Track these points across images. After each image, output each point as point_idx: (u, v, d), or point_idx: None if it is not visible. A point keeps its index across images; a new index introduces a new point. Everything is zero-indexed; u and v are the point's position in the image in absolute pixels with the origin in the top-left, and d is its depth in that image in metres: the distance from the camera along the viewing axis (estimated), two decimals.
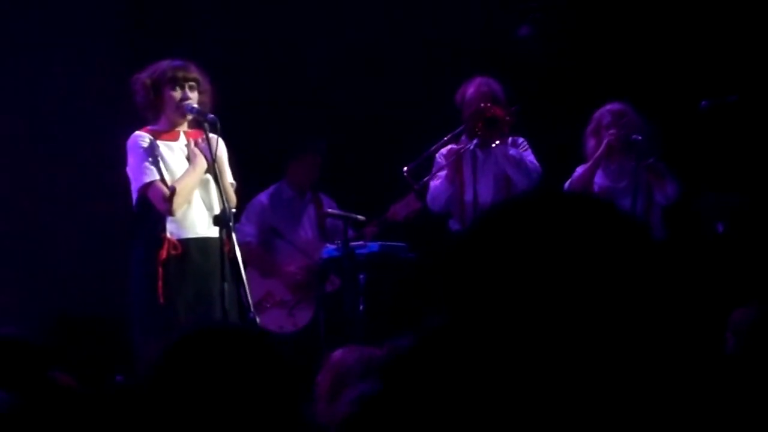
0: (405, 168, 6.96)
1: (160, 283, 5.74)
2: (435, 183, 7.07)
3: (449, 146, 7.06)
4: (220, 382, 1.98)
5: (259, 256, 7.80)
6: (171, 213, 5.80)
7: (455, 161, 7.03)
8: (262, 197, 7.94)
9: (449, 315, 1.40)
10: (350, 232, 7.32)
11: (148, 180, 5.84)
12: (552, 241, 1.37)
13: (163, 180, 5.84)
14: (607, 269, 1.37)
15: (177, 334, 2.10)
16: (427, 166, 7.12)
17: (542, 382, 1.34)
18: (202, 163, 5.89)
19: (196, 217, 5.91)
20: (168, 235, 5.81)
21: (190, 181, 5.86)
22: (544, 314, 1.34)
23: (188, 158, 5.93)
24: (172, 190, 5.79)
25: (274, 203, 7.94)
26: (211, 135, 5.84)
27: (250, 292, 5.82)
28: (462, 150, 7.00)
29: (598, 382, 1.33)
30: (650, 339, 1.37)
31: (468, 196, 6.99)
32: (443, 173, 7.04)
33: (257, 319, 5.85)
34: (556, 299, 1.34)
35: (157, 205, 5.81)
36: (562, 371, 1.33)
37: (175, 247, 5.80)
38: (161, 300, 5.73)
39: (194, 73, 5.92)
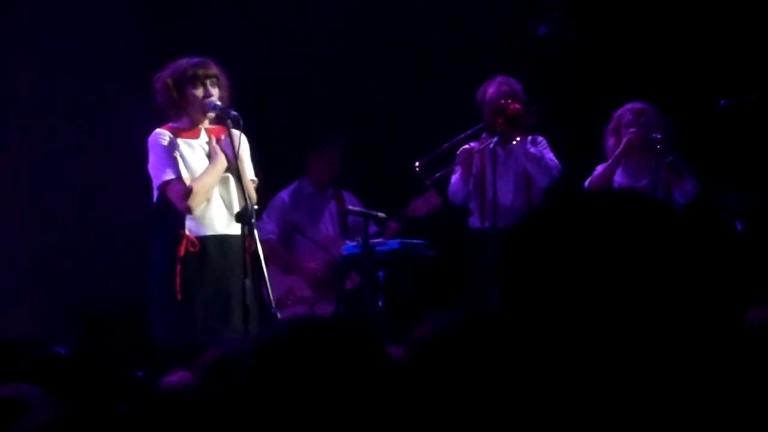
0: (417, 163, 6.97)
1: (177, 280, 5.75)
2: (454, 178, 7.11)
3: (468, 144, 7.07)
4: (325, 379, 1.90)
5: (281, 253, 7.83)
6: (189, 211, 5.82)
7: (466, 160, 7.05)
8: (284, 194, 7.97)
9: (505, 301, 1.44)
10: (373, 229, 7.35)
11: (167, 178, 5.86)
12: (604, 235, 1.41)
13: (182, 178, 5.87)
14: (655, 261, 1.41)
15: (268, 332, 2.02)
16: (440, 162, 7.12)
17: (593, 369, 1.37)
18: (222, 161, 5.91)
19: (216, 214, 5.92)
20: (187, 232, 5.83)
21: (209, 180, 5.88)
22: (595, 303, 1.38)
23: (208, 156, 5.95)
24: (191, 189, 5.81)
25: (295, 200, 7.96)
26: (233, 131, 5.86)
27: (271, 289, 5.84)
28: (481, 148, 7.02)
29: (648, 369, 1.37)
30: (691, 328, 1.40)
31: (488, 194, 7.00)
32: (459, 170, 7.08)
33: (278, 315, 5.87)
34: (607, 290, 1.38)
35: (175, 203, 5.83)
36: (613, 359, 1.37)
37: (193, 245, 5.82)
38: (179, 297, 5.76)
39: (214, 69, 5.94)
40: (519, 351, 1.42)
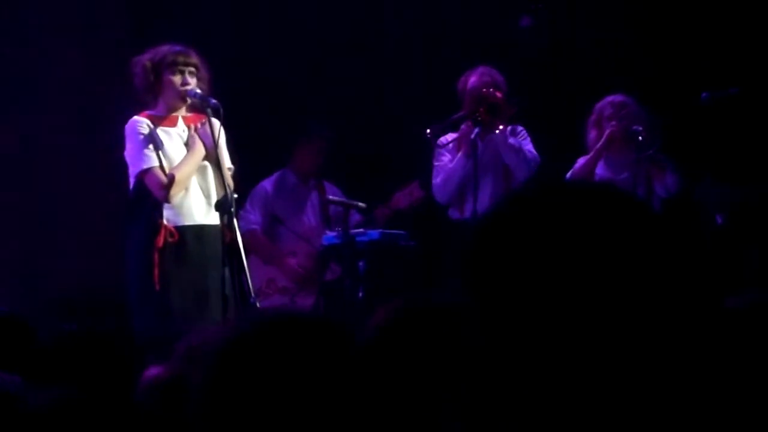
0: (428, 129, 6.89)
1: (156, 271, 5.75)
2: (448, 165, 7.02)
3: (450, 135, 7.05)
4: (292, 372, 1.86)
5: (264, 244, 7.82)
6: (167, 200, 5.81)
7: (460, 142, 6.99)
8: (266, 184, 7.94)
9: (469, 294, 1.42)
10: (356, 218, 7.35)
11: (145, 166, 5.85)
12: (571, 228, 1.40)
13: (161, 166, 5.85)
14: (623, 254, 1.40)
15: (238, 326, 1.99)
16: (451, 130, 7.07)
17: (561, 363, 1.36)
18: (200, 150, 5.90)
19: (194, 203, 5.91)
20: (165, 221, 5.82)
21: (188, 169, 5.87)
22: (562, 295, 1.37)
23: (186, 144, 5.94)
24: (171, 177, 5.80)
25: (277, 190, 7.94)
26: (213, 120, 5.85)
27: (251, 278, 5.83)
28: (463, 136, 7.00)
29: (617, 363, 1.36)
30: (662, 319, 1.40)
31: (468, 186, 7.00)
32: (447, 158, 7.03)
33: (258, 305, 5.86)
34: (574, 282, 1.37)
35: (154, 192, 5.82)
36: (580, 353, 1.36)
37: (171, 234, 5.81)
38: (157, 287, 5.75)
39: (194, 59, 5.94)
40: (480, 341, 1.41)
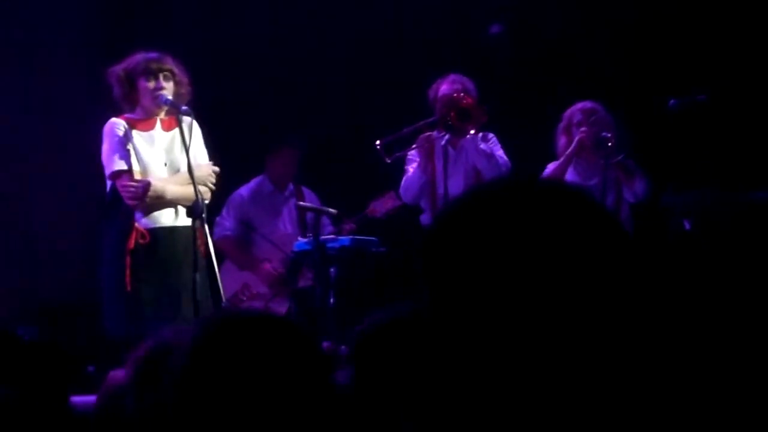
0: (378, 141, 6.94)
1: (127, 272, 5.78)
2: (410, 169, 7.11)
3: (423, 135, 7.08)
4: (255, 371, 1.92)
5: (237, 250, 7.83)
6: (136, 206, 5.84)
7: (428, 150, 7.05)
8: (243, 191, 7.97)
9: (428, 297, 1.41)
10: (331, 227, 7.38)
11: (117, 168, 5.89)
12: (527, 225, 1.40)
13: (132, 170, 5.88)
14: (579, 255, 1.39)
15: (201, 325, 2.01)
16: (400, 144, 7.10)
17: (518, 361, 1.36)
18: (186, 190, 5.89)
19: (165, 207, 5.95)
20: (136, 224, 5.85)
21: (172, 189, 5.90)
22: (519, 296, 1.36)
23: (166, 150, 5.97)
24: (145, 185, 5.83)
25: (254, 197, 7.96)
26: (184, 118, 5.87)
27: (222, 283, 5.87)
28: (434, 139, 7.04)
29: (573, 362, 1.36)
30: (622, 323, 1.39)
31: (439, 191, 7.04)
32: (413, 166, 7.09)
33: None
34: (530, 281, 1.36)
35: (123, 196, 5.85)
36: (537, 353, 1.36)
37: (143, 236, 5.84)
38: (128, 288, 5.77)
39: (169, 65, 5.97)
40: (444, 344, 1.40)
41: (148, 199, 5.84)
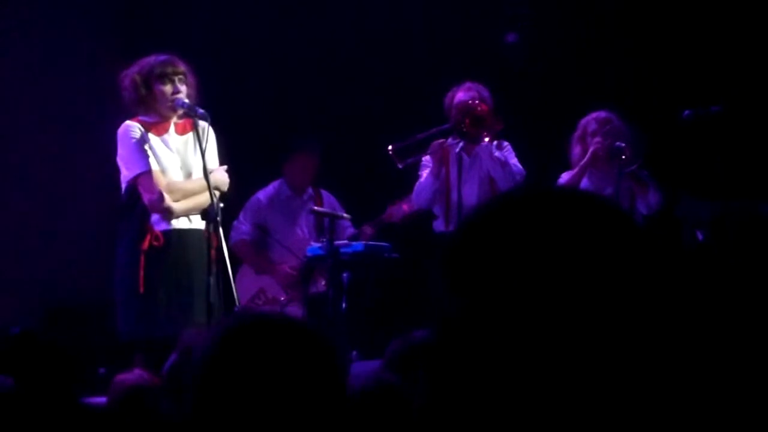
0: (390, 146, 6.95)
1: (141, 273, 5.79)
2: (423, 175, 7.12)
3: (436, 141, 7.09)
4: (272, 374, 1.93)
5: (254, 253, 7.85)
6: (157, 207, 5.85)
7: (441, 156, 7.07)
8: (261, 195, 7.99)
9: (460, 306, 1.41)
10: (350, 231, 7.41)
11: (140, 170, 5.89)
12: (559, 233, 1.39)
13: (152, 171, 5.89)
14: (611, 260, 1.40)
15: (220, 327, 2.02)
16: (414, 150, 7.10)
17: (553, 368, 1.37)
18: (203, 197, 5.91)
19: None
20: (151, 226, 5.87)
21: (188, 187, 5.92)
22: (547, 301, 1.37)
23: (180, 154, 5.98)
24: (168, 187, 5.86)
25: (271, 202, 7.98)
26: (200, 123, 5.89)
27: (238, 287, 5.88)
28: (447, 146, 7.05)
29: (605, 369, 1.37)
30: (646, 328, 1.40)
31: (453, 198, 7.05)
32: (425, 173, 7.11)
33: None
34: (564, 288, 1.37)
35: (145, 195, 5.85)
36: (570, 358, 1.37)
37: (157, 239, 5.86)
38: (141, 290, 5.79)
39: (181, 67, 5.98)
40: (482, 350, 1.40)
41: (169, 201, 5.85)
